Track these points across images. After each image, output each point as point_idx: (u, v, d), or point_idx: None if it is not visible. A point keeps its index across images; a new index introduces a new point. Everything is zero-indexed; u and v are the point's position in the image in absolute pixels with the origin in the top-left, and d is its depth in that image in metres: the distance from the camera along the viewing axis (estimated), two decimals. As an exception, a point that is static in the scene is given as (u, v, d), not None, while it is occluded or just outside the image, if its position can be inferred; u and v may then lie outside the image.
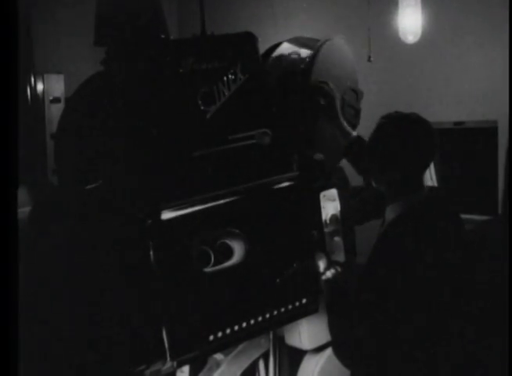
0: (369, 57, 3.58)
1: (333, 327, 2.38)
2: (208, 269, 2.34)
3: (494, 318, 2.32)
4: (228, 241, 2.41)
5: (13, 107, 1.96)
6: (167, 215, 2.24)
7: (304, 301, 2.59)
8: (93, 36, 2.55)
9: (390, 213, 2.39)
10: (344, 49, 3.07)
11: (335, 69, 2.97)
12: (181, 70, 2.38)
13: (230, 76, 2.48)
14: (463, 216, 2.51)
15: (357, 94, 3.13)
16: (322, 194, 2.88)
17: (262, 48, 2.74)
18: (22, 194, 2.50)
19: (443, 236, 2.29)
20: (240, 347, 2.88)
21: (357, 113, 3.13)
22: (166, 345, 2.23)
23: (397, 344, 2.22)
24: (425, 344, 2.22)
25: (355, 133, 2.81)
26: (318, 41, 3.08)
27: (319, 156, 2.78)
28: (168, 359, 2.24)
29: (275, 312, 2.51)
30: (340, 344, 2.39)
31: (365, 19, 4.46)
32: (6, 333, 1.74)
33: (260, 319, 2.47)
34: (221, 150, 2.45)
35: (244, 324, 2.42)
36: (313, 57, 2.85)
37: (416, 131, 2.35)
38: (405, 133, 2.35)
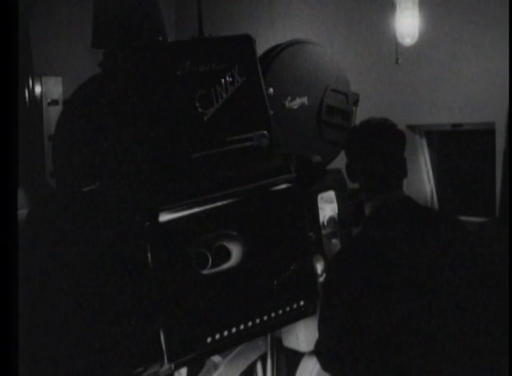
0: (397, 60, 3.68)
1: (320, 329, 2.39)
2: (206, 271, 2.35)
3: (493, 319, 2.31)
4: (225, 243, 2.41)
5: (12, 109, 1.96)
6: (164, 217, 2.24)
7: (301, 303, 2.59)
8: (91, 38, 2.55)
9: (366, 212, 2.40)
10: (316, 53, 3.08)
11: (303, 73, 3.00)
12: (178, 73, 2.38)
13: (228, 78, 2.48)
14: (462, 218, 2.50)
15: (347, 96, 3.14)
16: (319, 196, 2.89)
17: (260, 50, 2.75)
18: (20, 196, 2.50)
19: (410, 236, 2.29)
20: (238, 349, 2.89)
21: (347, 114, 3.14)
22: (164, 347, 2.23)
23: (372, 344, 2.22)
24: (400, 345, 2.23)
25: None
26: (313, 44, 3.10)
27: (316, 158, 2.79)
28: (166, 361, 2.24)
29: (273, 315, 2.51)
30: (320, 345, 2.39)
31: (365, 20, 4.47)
32: (6, 333, 1.75)
33: (258, 321, 2.47)
34: (219, 151, 2.45)
35: (242, 326, 2.43)
36: (268, 64, 2.89)
37: (376, 136, 2.37)
38: (366, 138, 2.38)
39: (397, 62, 3.85)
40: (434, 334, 2.21)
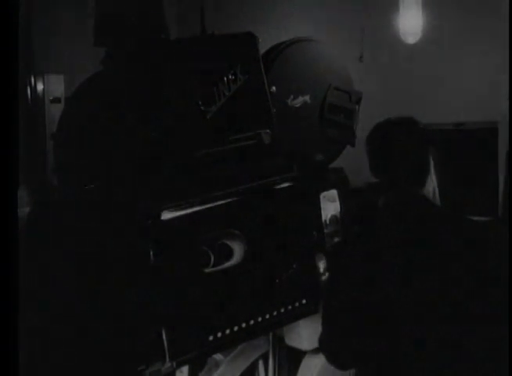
0: (361, 57, 3.65)
1: (324, 326, 2.39)
2: (208, 270, 2.34)
3: (493, 320, 2.31)
4: (228, 242, 2.41)
5: (14, 107, 1.95)
6: (167, 215, 2.24)
7: (303, 301, 2.59)
8: (93, 36, 2.55)
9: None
10: (319, 51, 3.08)
11: (306, 71, 2.99)
12: (181, 71, 2.38)
13: (230, 76, 2.48)
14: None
15: (349, 94, 3.14)
16: (322, 195, 2.88)
17: (263, 47, 2.74)
18: (22, 194, 2.50)
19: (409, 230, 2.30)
20: (240, 348, 2.88)
21: (350, 113, 3.13)
22: (165, 345, 2.22)
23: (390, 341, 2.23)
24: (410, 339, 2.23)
25: None
26: (316, 41, 3.09)
27: (319, 156, 2.78)
28: (168, 359, 2.24)
29: (275, 313, 2.51)
30: (327, 341, 2.39)
31: (366, 20, 4.47)
32: (6, 333, 1.74)
33: (260, 319, 2.47)
34: (222, 150, 2.45)
35: (244, 325, 2.42)
36: (271, 62, 2.88)
37: (395, 134, 2.37)
38: (385, 135, 2.38)
39: (360, 59, 3.83)
40: (434, 331, 2.22)
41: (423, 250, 2.26)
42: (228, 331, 2.38)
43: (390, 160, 2.35)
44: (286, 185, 2.56)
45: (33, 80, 3.22)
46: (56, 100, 3.48)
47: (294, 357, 3.04)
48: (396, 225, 2.29)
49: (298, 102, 2.96)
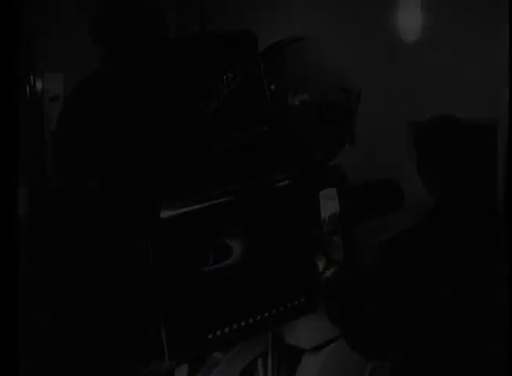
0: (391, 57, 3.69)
1: (341, 327, 2.40)
2: (207, 268, 2.35)
3: (493, 319, 2.33)
4: (227, 240, 2.41)
5: (13, 106, 1.95)
6: (165, 213, 2.24)
7: (303, 299, 2.59)
8: (91, 35, 2.55)
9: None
10: (318, 49, 3.08)
11: (305, 69, 2.99)
12: (179, 69, 2.38)
13: (229, 74, 2.48)
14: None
15: (349, 92, 3.13)
16: (321, 193, 2.88)
17: (262, 46, 2.74)
18: (21, 193, 2.50)
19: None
20: (239, 346, 2.89)
21: (349, 112, 3.13)
22: (165, 343, 2.23)
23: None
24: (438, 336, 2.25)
25: None
26: (316, 40, 3.09)
27: (318, 154, 2.78)
28: (167, 357, 2.24)
29: (275, 311, 2.51)
30: (354, 340, 2.41)
31: (367, 18, 4.47)
32: (7, 333, 1.75)
33: (259, 317, 2.47)
34: (221, 148, 2.45)
35: (243, 323, 2.43)
36: (270, 61, 2.87)
37: (437, 134, 2.39)
38: (428, 136, 2.39)
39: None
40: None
41: (477, 248, 2.27)
42: (227, 330, 2.38)
43: (441, 161, 2.35)
44: (285, 183, 2.56)
45: (32, 78, 3.22)
46: (56, 98, 3.48)
47: (294, 355, 3.05)
48: (453, 228, 2.31)
49: (297, 100, 2.96)
